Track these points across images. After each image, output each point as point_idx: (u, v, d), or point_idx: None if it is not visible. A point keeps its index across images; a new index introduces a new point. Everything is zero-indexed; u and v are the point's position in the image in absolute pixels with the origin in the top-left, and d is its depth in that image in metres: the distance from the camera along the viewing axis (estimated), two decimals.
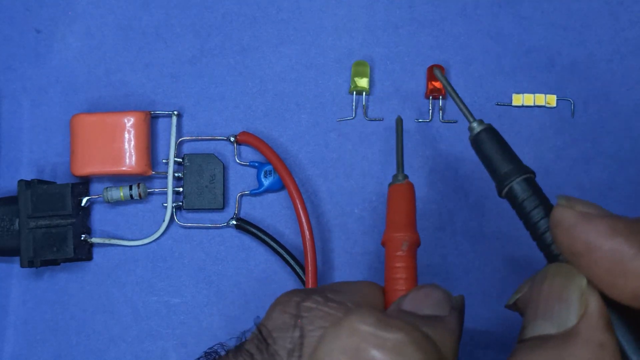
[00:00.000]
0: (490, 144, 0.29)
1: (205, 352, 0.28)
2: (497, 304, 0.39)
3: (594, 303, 0.23)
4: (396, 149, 0.35)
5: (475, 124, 0.29)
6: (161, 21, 0.42)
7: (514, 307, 0.27)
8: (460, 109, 0.31)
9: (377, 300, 0.29)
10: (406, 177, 0.33)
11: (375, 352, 0.23)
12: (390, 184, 0.33)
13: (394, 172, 0.34)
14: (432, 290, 0.28)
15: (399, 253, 0.30)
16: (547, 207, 0.27)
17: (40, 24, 0.43)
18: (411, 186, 0.33)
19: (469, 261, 0.40)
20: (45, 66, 0.42)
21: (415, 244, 0.31)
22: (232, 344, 0.28)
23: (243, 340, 0.28)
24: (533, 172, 0.28)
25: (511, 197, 0.28)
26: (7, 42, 0.43)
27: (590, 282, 0.24)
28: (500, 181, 0.28)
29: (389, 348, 0.23)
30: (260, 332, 0.27)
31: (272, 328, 0.26)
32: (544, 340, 0.24)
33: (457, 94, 0.31)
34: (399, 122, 0.36)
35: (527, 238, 0.39)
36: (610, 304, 0.23)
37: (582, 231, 0.23)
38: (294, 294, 0.28)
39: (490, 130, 0.29)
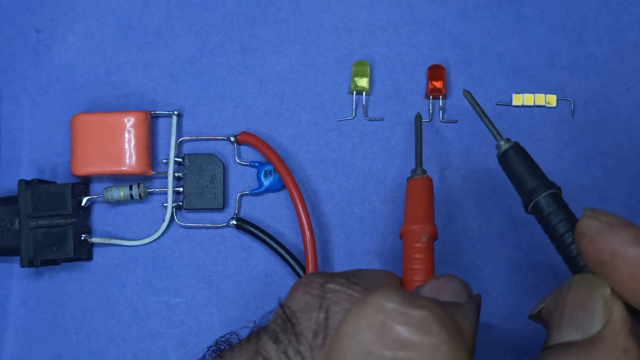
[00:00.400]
0: (517, 161, 0.30)
1: (217, 341, 0.28)
2: (497, 304, 0.39)
3: (618, 310, 0.24)
4: (415, 145, 0.36)
5: (502, 142, 0.30)
6: (161, 21, 0.42)
7: (538, 317, 0.27)
8: (489, 129, 0.32)
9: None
10: (425, 171, 0.34)
11: (400, 329, 0.24)
12: (409, 178, 0.34)
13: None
14: (450, 279, 0.28)
15: (418, 245, 0.31)
16: (572, 221, 0.28)
17: (40, 24, 0.43)
18: (430, 180, 0.34)
19: (469, 261, 0.40)
20: (45, 66, 0.42)
21: (434, 237, 0.32)
22: (243, 334, 0.28)
23: (258, 325, 0.28)
24: (559, 188, 0.29)
25: (537, 212, 0.29)
26: (7, 42, 0.43)
27: (613, 291, 0.24)
28: (526, 196, 0.29)
29: (414, 325, 0.24)
30: (284, 312, 0.27)
31: (296, 309, 0.26)
32: (569, 346, 0.24)
33: (485, 115, 0.32)
34: (418, 118, 0.37)
35: (528, 238, 0.40)
36: (634, 312, 0.24)
37: (607, 240, 0.24)
38: (317, 275, 0.28)
39: (517, 148, 0.30)
